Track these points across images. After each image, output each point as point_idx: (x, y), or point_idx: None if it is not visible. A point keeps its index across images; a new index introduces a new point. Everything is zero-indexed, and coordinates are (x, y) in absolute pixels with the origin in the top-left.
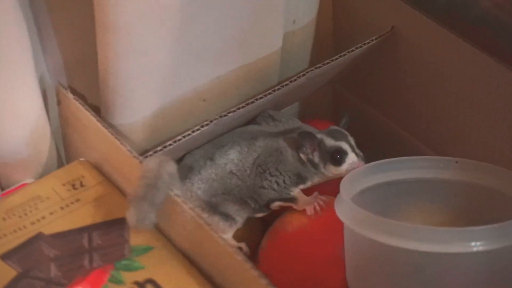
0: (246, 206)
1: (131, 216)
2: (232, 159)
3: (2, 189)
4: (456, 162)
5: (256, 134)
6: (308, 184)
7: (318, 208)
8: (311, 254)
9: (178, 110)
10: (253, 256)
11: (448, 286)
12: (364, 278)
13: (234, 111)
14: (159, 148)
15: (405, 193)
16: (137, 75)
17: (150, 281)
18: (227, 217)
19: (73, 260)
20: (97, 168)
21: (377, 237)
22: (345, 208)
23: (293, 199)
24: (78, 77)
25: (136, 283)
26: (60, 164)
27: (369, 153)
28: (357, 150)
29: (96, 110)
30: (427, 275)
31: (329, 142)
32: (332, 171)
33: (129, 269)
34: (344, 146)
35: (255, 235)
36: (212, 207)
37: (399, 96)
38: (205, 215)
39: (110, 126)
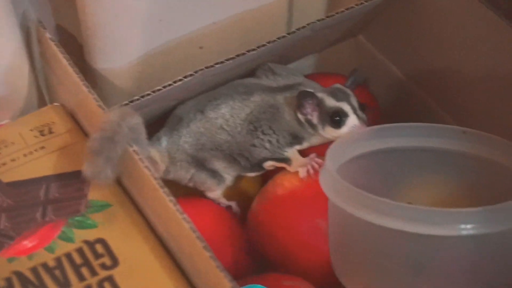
0: (235, 164)
1: (86, 169)
2: (223, 113)
3: None
4: (464, 132)
5: (252, 88)
6: (305, 145)
7: (311, 171)
8: (298, 219)
9: (171, 56)
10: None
11: (432, 270)
12: (343, 252)
13: (222, 62)
14: (135, 97)
15: (407, 162)
16: (115, 18)
17: (100, 240)
18: (214, 174)
19: (25, 212)
20: (71, 114)
21: (354, 212)
22: (326, 177)
23: (286, 160)
24: (65, 15)
25: (86, 242)
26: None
27: (387, 113)
28: (360, 112)
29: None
30: (408, 257)
31: (330, 102)
32: (331, 133)
33: (81, 226)
34: (345, 107)
35: (253, 194)
36: (199, 163)
37: (419, 56)
38: (192, 171)
39: (92, 70)
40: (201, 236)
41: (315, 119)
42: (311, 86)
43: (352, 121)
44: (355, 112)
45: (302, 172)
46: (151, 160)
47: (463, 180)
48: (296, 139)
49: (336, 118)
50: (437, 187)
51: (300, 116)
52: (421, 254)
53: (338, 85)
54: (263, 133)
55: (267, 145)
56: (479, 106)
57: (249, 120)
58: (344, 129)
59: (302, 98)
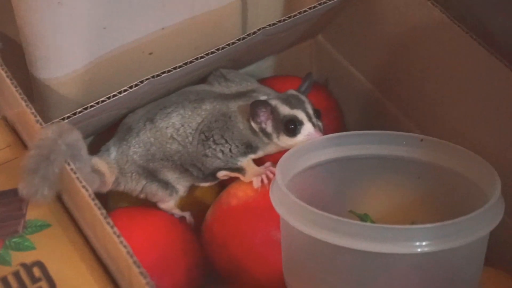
0: (187, 175)
1: (22, 189)
2: (173, 122)
3: None
4: (421, 140)
5: (203, 95)
6: (260, 154)
7: (266, 180)
8: (252, 231)
9: (119, 63)
10: None
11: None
12: (293, 266)
13: (169, 71)
14: (79, 109)
15: (363, 170)
16: (55, 27)
17: (38, 263)
18: (166, 185)
19: None
20: (13, 127)
21: (302, 228)
22: (275, 191)
23: (240, 170)
24: (8, 22)
25: (23, 265)
26: None
27: (348, 116)
28: (315, 120)
29: None
30: (356, 274)
31: (284, 110)
32: (286, 142)
33: (19, 248)
34: (300, 115)
35: (209, 204)
36: (150, 174)
37: (378, 59)
38: (143, 182)
39: (35, 80)
40: (137, 261)
41: (269, 128)
42: (265, 92)
43: (307, 129)
44: (310, 119)
45: (256, 182)
46: (99, 173)
47: (421, 188)
48: (249, 148)
49: (290, 127)
50: (394, 195)
51: (254, 125)
52: (369, 272)
53: (292, 92)
54: (215, 143)
55: (220, 154)
56: (437, 109)
57: (200, 129)
58: (300, 137)
59: (255, 107)
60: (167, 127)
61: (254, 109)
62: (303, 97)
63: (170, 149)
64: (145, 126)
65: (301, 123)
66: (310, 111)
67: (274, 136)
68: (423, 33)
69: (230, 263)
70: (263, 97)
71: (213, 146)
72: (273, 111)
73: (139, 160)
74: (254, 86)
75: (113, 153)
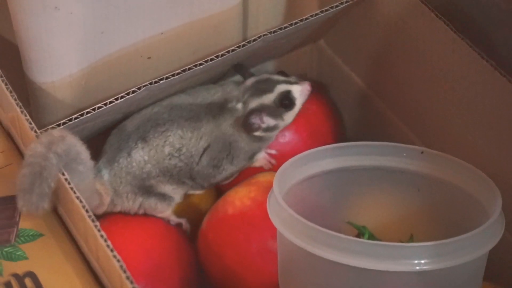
0: (184, 185)
1: (21, 207)
2: (171, 141)
3: None
4: (422, 152)
5: (195, 112)
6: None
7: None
8: (248, 240)
9: (116, 67)
10: None
11: None
12: (289, 279)
13: (167, 77)
14: (74, 116)
15: (361, 181)
16: (51, 31)
17: (30, 274)
18: (163, 196)
19: None
20: (8, 133)
21: (298, 242)
22: (272, 204)
23: None
24: (5, 25)
25: (15, 275)
26: None
27: (347, 121)
28: (292, 78)
29: None
30: None
31: (267, 97)
32: (293, 116)
33: (10, 258)
34: (281, 87)
35: (206, 209)
36: (147, 191)
37: (378, 66)
38: (139, 199)
39: (31, 84)
40: (130, 277)
41: (271, 122)
42: (233, 96)
43: (297, 90)
44: (289, 82)
45: (266, 166)
46: (97, 192)
47: (420, 200)
48: (253, 156)
49: (286, 102)
50: (394, 207)
51: (258, 133)
52: None
53: (250, 80)
54: (225, 170)
55: (228, 174)
56: (437, 119)
57: (210, 156)
58: (299, 101)
59: (248, 123)
60: (163, 146)
61: (249, 124)
62: (262, 76)
63: (168, 164)
64: (136, 145)
65: (289, 91)
66: (281, 77)
67: (280, 122)
68: (424, 42)
69: (225, 272)
70: (238, 104)
71: (223, 173)
72: (263, 109)
73: (134, 181)
74: (219, 91)
75: (106, 175)
